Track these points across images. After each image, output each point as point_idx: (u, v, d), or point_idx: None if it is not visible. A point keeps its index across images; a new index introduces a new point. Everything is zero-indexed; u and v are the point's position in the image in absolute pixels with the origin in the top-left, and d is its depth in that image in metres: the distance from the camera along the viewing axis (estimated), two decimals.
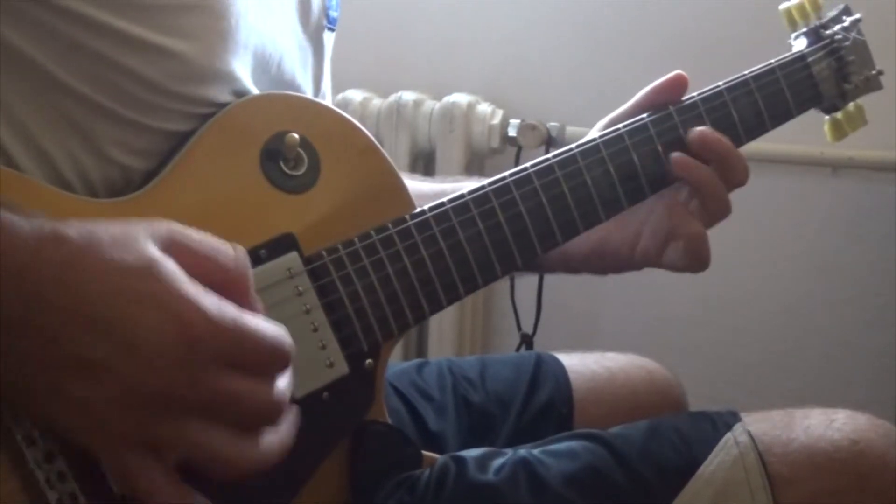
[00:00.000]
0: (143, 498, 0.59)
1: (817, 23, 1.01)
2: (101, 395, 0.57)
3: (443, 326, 1.81)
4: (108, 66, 0.68)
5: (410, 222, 0.78)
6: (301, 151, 0.75)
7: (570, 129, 1.74)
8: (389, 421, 0.80)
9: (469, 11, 1.87)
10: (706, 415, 0.84)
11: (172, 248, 0.61)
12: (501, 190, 0.82)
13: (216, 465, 0.60)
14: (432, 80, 1.86)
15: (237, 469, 0.61)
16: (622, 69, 1.75)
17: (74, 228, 0.58)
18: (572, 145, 0.86)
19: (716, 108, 0.91)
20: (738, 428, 0.80)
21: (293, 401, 0.72)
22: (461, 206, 0.80)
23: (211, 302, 0.59)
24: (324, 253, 0.75)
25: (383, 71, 1.89)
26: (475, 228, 0.80)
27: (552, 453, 0.81)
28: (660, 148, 0.88)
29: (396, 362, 1.05)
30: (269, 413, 0.63)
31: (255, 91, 0.77)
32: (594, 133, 0.92)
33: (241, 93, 0.75)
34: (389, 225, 0.77)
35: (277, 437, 0.63)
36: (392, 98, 1.82)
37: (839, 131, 1.04)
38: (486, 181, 0.82)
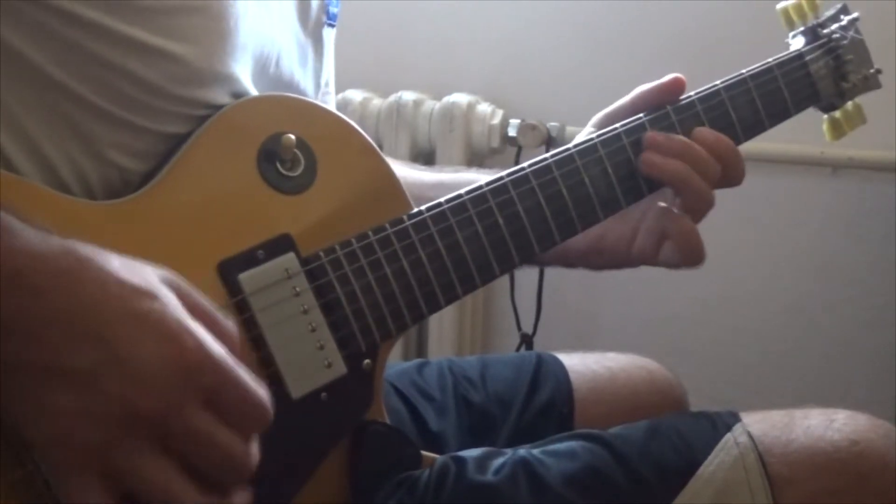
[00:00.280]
0: None
1: (815, 22, 1.01)
2: (74, 405, 0.56)
3: (443, 326, 1.81)
4: (107, 68, 0.68)
5: (408, 222, 0.78)
6: (298, 152, 0.75)
7: (570, 129, 1.74)
8: (388, 421, 0.80)
9: (469, 11, 1.87)
10: (706, 415, 0.84)
11: (177, 292, 0.61)
12: (499, 189, 0.82)
13: None
14: (432, 80, 1.86)
15: None
16: (622, 69, 1.75)
17: (84, 247, 0.58)
18: (570, 144, 0.86)
19: (713, 107, 0.91)
20: (738, 428, 0.80)
21: (292, 401, 0.72)
22: (459, 205, 0.80)
23: (207, 337, 0.59)
24: (321, 254, 0.75)
25: (383, 71, 1.89)
26: (473, 228, 0.80)
27: (552, 453, 0.81)
28: None
29: (396, 362, 1.05)
30: (236, 469, 0.61)
31: (254, 92, 0.77)
32: (587, 130, 0.92)
33: (240, 94, 0.76)
34: (387, 225, 0.77)
35: (234, 500, 0.62)
36: (392, 98, 1.82)
37: (838, 130, 1.04)
38: (483, 180, 0.82)
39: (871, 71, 1.03)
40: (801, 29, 1.01)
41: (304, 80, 0.85)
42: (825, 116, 1.04)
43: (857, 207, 1.76)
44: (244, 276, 0.71)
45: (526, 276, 1.74)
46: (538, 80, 1.86)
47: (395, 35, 1.91)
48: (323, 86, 0.90)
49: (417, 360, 1.07)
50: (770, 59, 0.96)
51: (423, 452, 0.81)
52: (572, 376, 1.03)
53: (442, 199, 0.80)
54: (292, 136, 0.74)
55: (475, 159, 1.82)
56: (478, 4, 1.86)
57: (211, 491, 0.60)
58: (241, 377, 0.60)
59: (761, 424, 0.81)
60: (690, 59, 1.70)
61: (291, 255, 0.74)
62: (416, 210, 0.79)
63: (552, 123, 1.76)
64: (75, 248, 0.58)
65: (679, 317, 1.85)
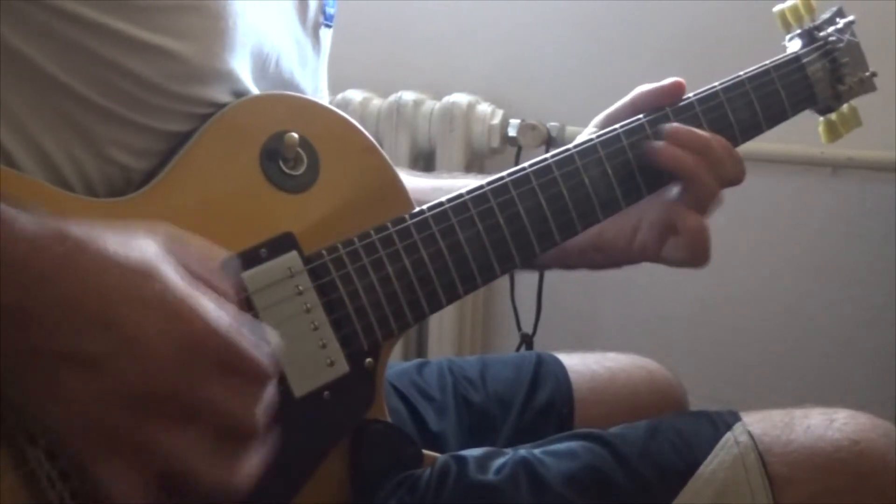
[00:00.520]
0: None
1: (811, 25, 1.01)
2: (93, 389, 0.57)
3: (443, 326, 1.81)
4: (107, 66, 0.68)
5: (409, 222, 0.78)
6: (300, 151, 0.75)
7: (570, 129, 1.74)
8: (390, 420, 0.80)
9: (469, 11, 1.87)
10: (706, 415, 0.84)
11: (174, 257, 0.61)
12: (500, 190, 0.82)
13: (189, 479, 0.59)
14: (432, 80, 1.87)
15: (207, 488, 0.60)
16: (622, 69, 1.76)
17: (76, 226, 0.58)
18: (570, 145, 0.87)
19: (712, 108, 0.91)
20: (738, 428, 0.80)
21: (294, 400, 0.72)
22: (460, 205, 0.80)
23: (211, 305, 0.59)
24: (323, 252, 0.75)
25: (383, 71, 1.89)
26: (474, 228, 0.80)
27: (552, 453, 0.81)
28: None
29: (396, 362, 1.05)
30: (250, 429, 0.61)
31: (254, 91, 0.77)
32: (589, 130, 0.92)
33: (240, 93, 0.76)
34: (389, 224, 0.77)
35: (250, 465, 0.62)
36: (392, 98, 1.82)
37: (833, 132, 1.05)
38: (484, 180, 0.82)
39: (867, 74, 1.03)
40: (798, 32, 1.02)
41: (304, 80, 0.85)
42: (821, 119, 1.05)
43: (857, 207, 1.76)
44: (247, 275, 0.71)
45: (526, 276, 1.74)
46: (538, 80, 1.86)
47: (395, 35, 1.91)
48: (319, 87, 0.91)
49: (417, 360, 1.07)
50: (767, 62, 0.96)
51: (425, 451, 0.81)
52: (572, 376, 1.03)
53: (443, 199, 0.80)
54: (295, 135, 0.74)
55: (475, 159, 1.82)
56: (478, 4, 1.86)
57: (230, 457, 0.61)
58: (244, 343, 0.60)
59: (761, 424, 0.81)
60: (690, 60, 1.70)
61: (294, 253, 0.74)
62: (417, 209, 0.79)
63: (552, 123, 1.76)
64: (70, 232, 0.58)
65: (679, 317, 1.85)
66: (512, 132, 1.77)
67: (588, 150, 0.86)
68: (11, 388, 0.58)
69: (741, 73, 0.94)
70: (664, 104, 0.90)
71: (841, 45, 1.00)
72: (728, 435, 0.80)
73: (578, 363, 1.06)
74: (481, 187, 0.81)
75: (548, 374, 1.03)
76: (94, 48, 0.68)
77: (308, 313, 0.73)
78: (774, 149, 1.68)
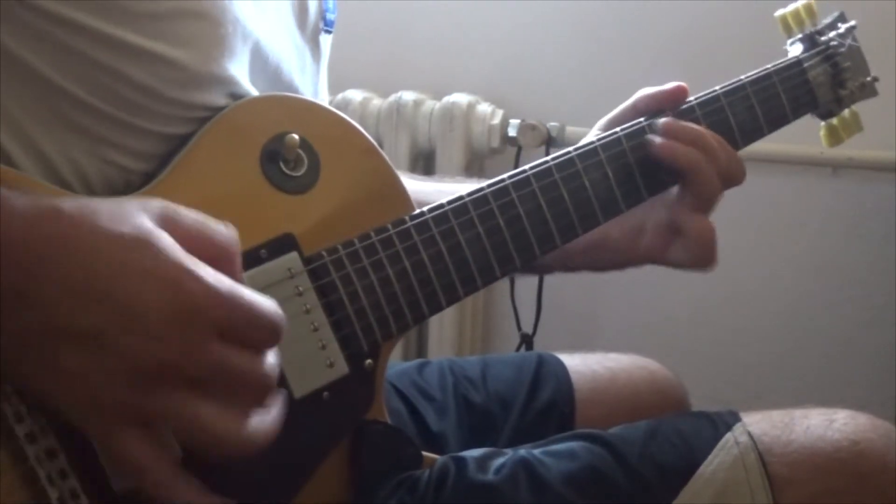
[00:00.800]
0: (137, 475, 0.59)
1: (812, 29, 1.02)
2: (97, 366, 0.57)
3: (443, 326, 1.81)
4: (106, 72, 0.68)
5: (410, 223, 0.78)
6: (301, 152, 0.75)
7: (570, 129, 1.74)
8: (389, 421, 0.80)
9: (469, 11, 1.87)
10: (706, 415, 0.84)
11: (166, 220, 0.61)
12: (500, 192, 0.82)
13: (207, 441, 0.60)
14: (432, 80, 1.87)
15: (227, 447, 0.60)
16: (622, 69, 1.76)
17: (70, 202, 0.59)
18: (570, 148, 0.87)
19: (713, 112, 0.91)
20: (738, 428, 0.80)
21: (294, 400, 0.72)
22: (460, 207, 0.80)
23: (207, 272, 0.59)
24: (324, 253, 0.75)
25: (383, 71, 1.89)
26: (474, 230, 0.80)
27: (552, 453, 0.81)
28: None
29: (397, 362, 1.05)
30: (261, 388, 0.62)
31: (252, 93, 0.77)
32: (593, 133, 0.92)
33: (239, 96, 0.76)
34: (389, 226, 0.77)
35: (268, 418, 0.63)
36: (392, 98, 1.82)
37: (835, 137, 1.05)
38: (485, 183, 0.82)
39: (868, 79, 1.03)
40: (800, 36, 1.02)
41: (304, 86, 0.85)
42: (822, 123, 1.05)
43: (857, 207, 1.76)
44: (247, 276, 0.71)
45: (526, 277, 1.74)
46: (538, 80, 1.86)
47: (395, 35, 1.91)
48: (318, 92, 0.91)
49: (418, 361, 1.07)
50: (769, 66, 0.96)
51: (424, 453, 0.81)
52: (573, 377, 1.03)
53: (444, 201, 0.80)
54: (296, 136, 0.74)
55: (475, 159, 1.82)
56: (478, 4, 1.86)
57: (243, 419, 0.61)
58: (245, 300, 0.60)
59: (761, 424, 0.81)
60: (690, 60, 1.70)
61: (294, 254, 0.74)
62: (418, 211, 0.79)
63: (552, 123, 1.76)
64: (63, 208, 0.58)
65: (679, 317, 1.85)
66: (512, 132, 1.77)
67: (589, 152, 0.87)
68: (14, 370, 0.58)
69: (742, 76, 0.94)
70: (666, 108, 0.90)
71: (842, 49, 1.00)
72: (728, 435, 0.80)
73: (580, 363, 1.06)
74: (481, 189, 0.81)
75: (549, 375, 1.03)
76: (92, 54, 0.68)
77: (308, 314, 0.73)
78: (774, 149, 1.67)
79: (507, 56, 1.87)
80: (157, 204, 0.62)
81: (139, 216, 0.60)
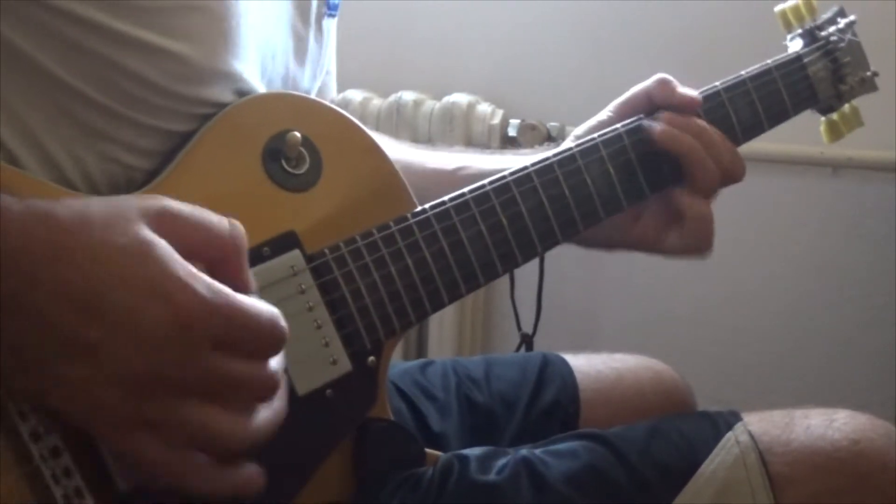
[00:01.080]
0: (152, 470, 0.59)
1: (812, 24, 1.02)
2: (97, 376, 0.57)
3: (443, 326, 1.81)
4: (110, 67, 0.68)
5: (412, 220, 0.78)
6: (303, 150, 0.75)
7: (569, 129, 1.72)
8: (392, 418, 0.80)
9: (469, 11, 1.87)
10: (707, 415, 0.84)
11: (165, 222, 0.60)
12: (501, 189, 0.82)
13: (213, 440, 0.60)
14: (432, 80, 1.87)
15: (234, 443, 0.60)
16: (622, 69, 1.75)
17: (65, 208, 0.58)
18: (572, 144, 0.87)
19: (713, 108, 0.92)
20: (738, 427, 0.80)
21: (297, 398, 0.72)
22: (462, 204, 0.80)
23: (203, 283, 0.59)
24: (326, 251, 0.75)
25: (383, 71, 1.89)
26: (476, 227, 0.80)
27: (553, 453, 0.82)
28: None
29: (399, 361, 1.05)
30: (263, 392, 0.62)
31: (260, 90, 0.77)
32: (603, 115, 0.93)
33: (243, 92, 0.76)
34: (391, 223, 0.78)
35: (271, 412, 0.62)
36: (392, 98, 1.82)
37: (835, 132, 1.05)
38: (486, 180, 0.82)
39: (868, 73, 1.04)
40: (799, 31, 1.02)
41: (301, 74, 0.85)
42: (822, 118, 1.05)
43: (857, 207, 1.77)
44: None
45: (526, 276, 1.74)
46: (538, 80, 1.86)
47: (395, 35, 1.91)
48: (324, 74, 0.90)
49: (421, 360, 1.07)
50: (769, 61, 0.97)
51: (427, 450, 0.81)
52: (578, 377, 1.03)
53: (446, 198, 0.80)
54: (297, 134, 0.74)
55: None
56: (478, 4, 1.86)
57: (247, 415, 0.61)
58: (240, 311, 0.59)
59: (762, 424, 0.81)
60: (690, 59, 1.70)
61: (297, 252, 0.74)
62: (420, 209, 0.79)
63: (552, 123, 1.77)
64: (57, 215, 0.57)
65: (679, 317, 1.85)
66: (512, 132, 1.78)
67: (590, 149, 0.87)
68: (13, 377, 0.58)
69: (742, 72, 0.94)
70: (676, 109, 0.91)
71: (842, 44, 1.00)
72: (729, 435, 0.80)
73: (584, 364, 1.05)
74: (482, 186, 0.82)
75: (553, 375, 1.03)
76: (96, 49, 0.68)
77: (311, 312, 0.73)
78: (774, 149, 1.68)
79: (507, 56, 1.87)
80: (156, 204, 0.61)
81: (135, 224, 0.59)
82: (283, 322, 0.62)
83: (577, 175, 0.85)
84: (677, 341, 1.83)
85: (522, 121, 1.77)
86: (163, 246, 0.59)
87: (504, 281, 1.72)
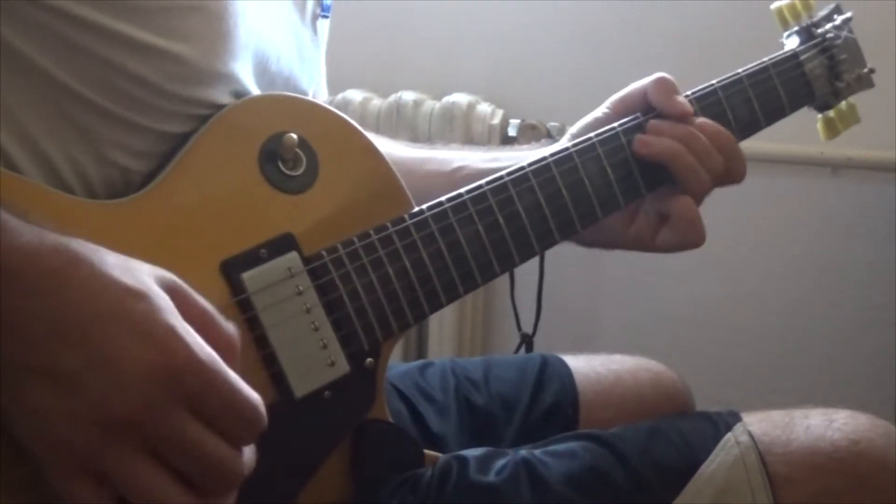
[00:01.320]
0: None
1: (809, 21, 1.02)
2: (59, 406, 0.56)
3: (443, 326, 1.81)
4: (108, 68, 0.68)
5: (409, 221, 0.78)
6: (299, 152, 0.75)
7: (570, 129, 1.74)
8: (391, 420, 0.80)
9: (469, 11, 1.87)
10: (707, 415, 0.84)
11: (174, 293, 0.60)
12: (499, 188, 0.82)
13: None
14: (432, 80, 1.87)
15: None
16: (622, 69, 1.75)
17: (79, 244, 0.58)
18: (568, 144, 0.87)
19: (710, 105, 0.92)
20: (738, 428, 0.80)
21: (295, 400, 0.72)
22: (459, 204, 0.80)
23: (196, 342, 0.58)
24: (323, 252, 0.75)
25: (383, 71, 1.89)
26: (473, 227, 0.80)
27: (553, 453, 0.81)
28: None
29: (398, 363, 1.05)
30: (224, 476, 0.60)
31: (255, 91, 0.77)
32: (601, 110, 0.92)
33: (241, 93, 0.76)
34: (388, 224, 0.77)
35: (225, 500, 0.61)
36: (392, 98, 1.82)
37: (832, 129, 1.05)
38: (483, 180, 0.82)
39: (865, 70, 1.04)
40: (796, 29, 1.02)
41: (302, 74, 0.85)
42: (819, 116, 1.05)
43: (857, 207, 1.77)
44: (247, 276, 0.71)
45: (526, 276, 1.74)
46: (538, 80, 1.86)
47: (395, 35, 1.91)
48: (317, 77, 0.90)
49: (420, 361, 1.07)
50: (765, 59, 0.96)
51: (426, 451, 0.81)
52: (577, 378, 1.03)
53: (443, 199, 0.80)
54: (294, 136, 0.74)
55: None
56: (478, 4, 1.86)
57: (200, 494, 0.59)
58: (229, 383, 0.58)
59: (762, 424, 0.81)
60: (689, 59, 1.70)
61: (294, 254, 0.74)
62: (417, 209, 0.79)
63: (552, 123, 1.76)
64: (69, 247, 0.57)
65: (679, 317, 1.85)
66: (512, 132, 1.78)
67: (586, 148, 0.87)
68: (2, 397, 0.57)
69: (739, 70, 0.94)
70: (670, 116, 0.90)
71: (839, 41, 1.00)
72: (728, 435, 0.80)
73: (584, 365, 1.05)
74: (480, 186, 0.81)
75: (553, 376, 1.03)
76: (94, 49, 0.68)
77: (308, 313, 0.73)
78: (774, 149, 1.68)
79: (507, 56, 1.87)
80: (171, 277, 0.61)
81: (146, 275, 0.59)
82: (264, 411, 0.60)
83: (574, 174, 0.85)
84: (677, 341, 1.83)
85: (522, 121, 1.77)
86: (166, 299, 0.58)
87: (504, 281, 1.73)
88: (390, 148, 0.93)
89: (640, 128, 0.89)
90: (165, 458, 0.57)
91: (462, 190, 0.81)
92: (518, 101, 1.84)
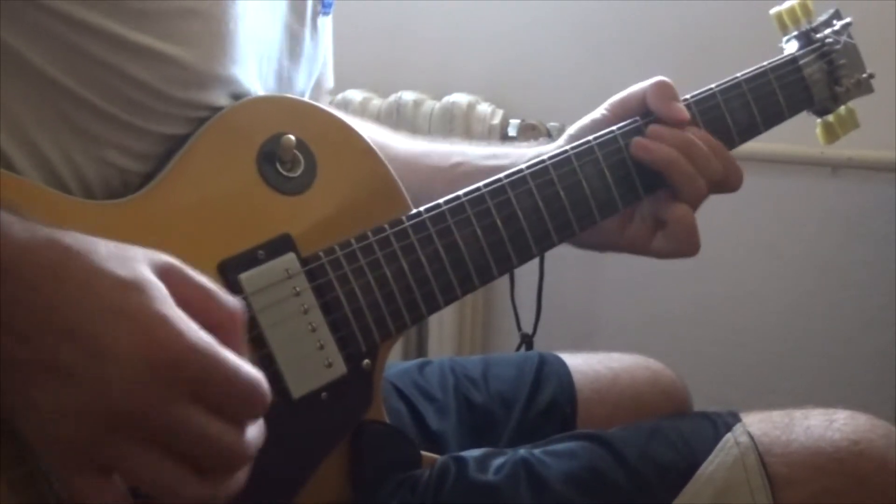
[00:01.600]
0: None
1: (808, 26, 1.02)
2: (60, 402, 0.55)
3: (443, 326, 1.81)
4: (107, 70, 0.68)
5: (407, 223, 0.78)
6: (297, 153, 0.75)
7: None
8: (388, 421, 0.79)
9: (469, 11, 1.87)
10: (706, 415, 0.84)
11: (170, 276, 0.59)
12: (497, 191, 0.82)
13: (164, 497, 0.58)
14: (432, 80, 1.87)
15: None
16: (622, 69, 1.76)
17: (72, 237, 0.58)
18: (566, 146, 0.87)
19: (709, 109, 0.92)
20: (738, 428, 0.80)
21: (292, 401, 0.72)
22: (457, 206, 0.80)
23: (192, 329, 0.57)
24: (321, 254, 0.75)
25: (383, 71, 1.89)
26: (471, 229, 0.80)
27: (552, 453, 0.82)
28: None
29: (398, 362, 1.05)
30: (231, 460, 0.59)
31: (254, 93, 0.77)
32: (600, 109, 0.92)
33: (240, 96, 0.76)
34: (386, 226, 0.77)
35: (233, 484, 0.60)
36: (392, 98, 1.82)
37: (831, 134, 1.05)
38: (481, 182, 0.82)
39: (864, 75, 1.03)
40: (795, 33, 1.02)
41: (295, 73, 0.85)
42: (818, 120, 1.05)
43: (857, 207, 1.77)
44: (245, 276, 0.71)
45: (526, 276, 1.74)
46: (538, 80, 1.86)
47: (395, 35, 1.91)
48: (318, 72, 0.90)
49: (419, 360, 1.07)
50: (764, 63, 0.96)
51: (423, 453, 0.81)
52: (575, 377, 1.03)
53: (441, 201, 0.80)
54: (292, 137, 0.74)
55: None
56: (478, 4, 1.86)
57: (210, 478, 0.59)
58: (227, 366, 0.58)
59: (761, 424, 0.81)
60: (689, 60, 1.70)
61: (291, 255, 0.74)
62: (415, 211, 0.79)
63: (552, 123, 1.76)
64: (61, 240, 0.57)
65: (678, 317, 1.85)
66: (512, 132, 1.78)
67: (585, 151, 0.87)
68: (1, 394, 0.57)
69: (738, 74, 0.94)
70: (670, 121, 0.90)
71: (838, 46, 1.00)
72: (728, 436, 0.80)
73: (582, 363, 1.05)
74: (478, 188, 0.81)
75: (551, 375, 1.03)
76: (94, 52, 0.68)
77: (306, 314, 0.73)
78: (774, 149, 1.68)
79: (507, 56, 1.87)
80: (165, 258, 0.60)
81: (139, 263, 0.58)
82: (266, 387, 0.59)
83: (572, 176, 0.85)
84: (677, 341, 1.83)
85: (522, 121, 1.77)
86: (160, 288, 0.58)
87: (504, 280, 1.73)
88: (389, 140, 0.93)
89: (638, 132, 0.89)
90: (172, 446, 0.57)
91: (460, 192, 0.81)
92: (518, 101, 1.84)
